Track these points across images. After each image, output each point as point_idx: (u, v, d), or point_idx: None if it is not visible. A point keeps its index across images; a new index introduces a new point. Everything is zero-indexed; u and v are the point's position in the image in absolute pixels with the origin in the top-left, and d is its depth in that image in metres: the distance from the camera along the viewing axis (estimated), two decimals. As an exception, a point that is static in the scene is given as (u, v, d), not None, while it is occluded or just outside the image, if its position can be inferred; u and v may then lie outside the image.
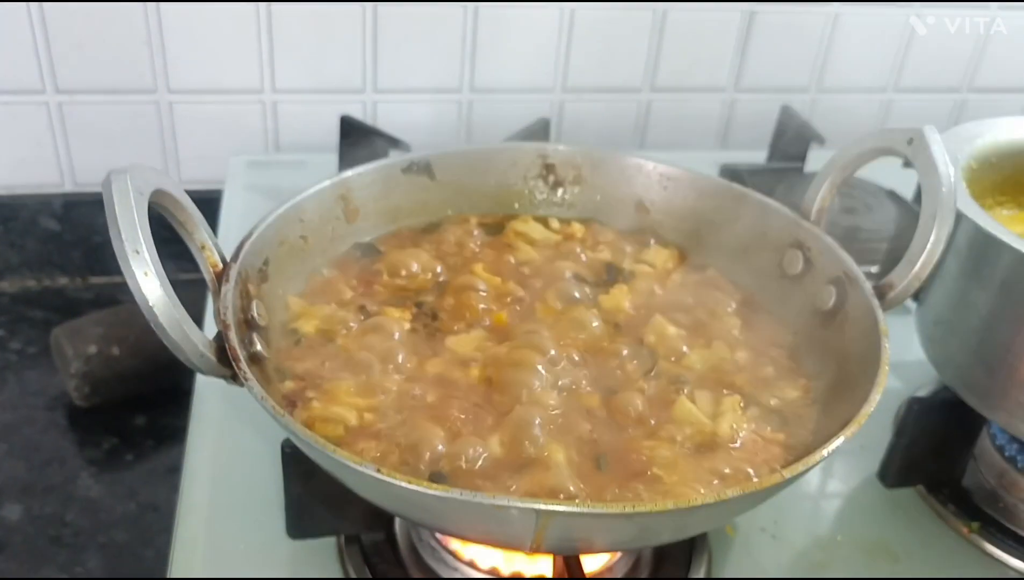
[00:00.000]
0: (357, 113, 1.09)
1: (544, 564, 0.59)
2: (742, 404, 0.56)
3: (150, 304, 0.44)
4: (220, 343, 0.49)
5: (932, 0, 1.20)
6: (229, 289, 0.52)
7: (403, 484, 0.41)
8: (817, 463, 0.45)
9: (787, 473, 0.44)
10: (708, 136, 1.25)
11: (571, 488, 0.48)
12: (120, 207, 0.44)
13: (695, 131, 1.24)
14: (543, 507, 0.41)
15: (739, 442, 0.53)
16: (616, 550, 0.59)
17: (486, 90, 1.14)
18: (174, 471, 0.87)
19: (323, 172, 0.66)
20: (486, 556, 0.59)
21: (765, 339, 0.63)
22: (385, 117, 1.12)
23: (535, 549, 0.45)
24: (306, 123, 1.12)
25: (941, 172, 0.55)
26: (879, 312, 0.55)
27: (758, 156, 1.14)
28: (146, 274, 0.44)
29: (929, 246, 0.55)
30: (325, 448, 0.43)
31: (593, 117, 1.19)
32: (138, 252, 0.44)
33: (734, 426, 0.54)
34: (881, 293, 0.57)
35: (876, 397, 0.49)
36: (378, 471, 0.42)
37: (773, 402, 0.57)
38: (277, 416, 0.45)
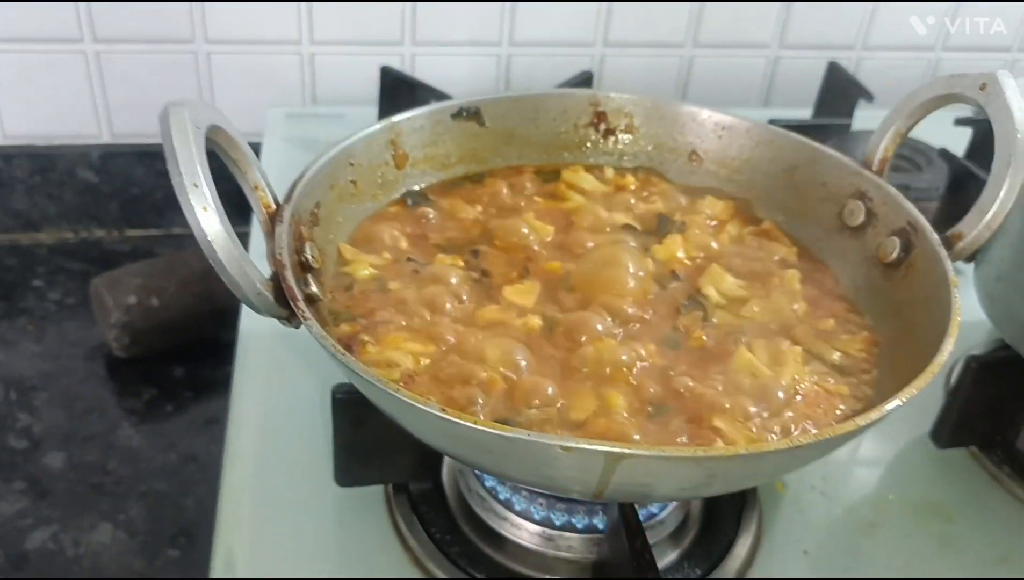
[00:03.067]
0: (395, 66, 1.07)
1: (597, 517, 0.58)
2: (803, 356, 0.55)
3: (209, 239, 0.43)
4: (276, 283, 0.48)
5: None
6: (283, 229, 0.51)
7: (468, 425, 0.40)
8: (889, 413, 0.44)
9: (861, 421, 0.43)
10: (751, 94, 1.23)
11: (634, 436, 0.47)
12: (178, 140, 0.43)
13: (737, 88, 1.21)
14: (611, 449, 0.40)
15: (800, 395, 0.52)
16: (680, 498, 0.58)
17: (526, 44, 1.12)
18: (213, 422, 0.87)
19: (362, 124, 0.65)
20: (538, 508, 0.58)
21: (825, 291, 0.61)
22: (423, 70, 1.11)
23: (597, 495, 0.44)
24: (343, 75, 1.10)
25: (1017, 118, 0.53)
26: (947, 262, 0.54)
27: (802, 114, 1.12)
28: (205, 209, 0.43)
29: (1002, 195, 0.53)
30: (388, 387, 0.42)
31: (634, 73, 1.17)
32: (197, 186, 0.43)
33: (795, 377, 0.53)
34: (949, 244, 0.55)
35: (949, 347, 0.47)
36: (443, 411, 0.41)
37: (835, 355, 0.56)
38: (338, 355, 0.44)
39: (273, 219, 0.52)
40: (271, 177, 0.54)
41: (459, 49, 1.11)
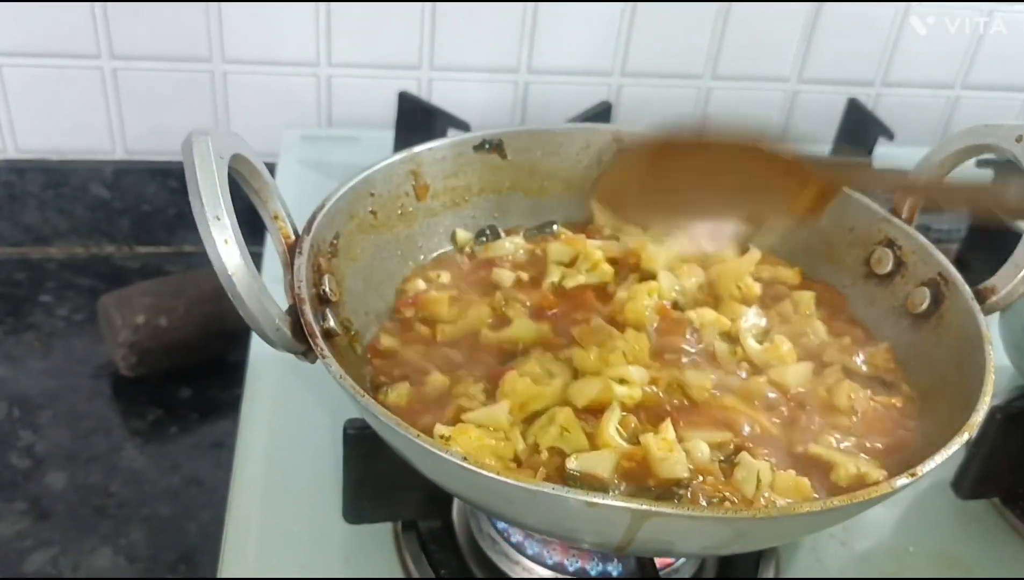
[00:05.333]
0: (412, 90, 1.07)
1: (611, 564, 0.56)
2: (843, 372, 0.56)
3: (229, 273, 0.42)
4: (294, 317, 0.47)
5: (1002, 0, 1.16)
6: (302, 262, 0.50)
7: (491, 475, 0.39)
8: (924, 475, 0.43)
9: (895, 483, 0.41)
10: (768, 127, 1.21)
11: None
12: (201, 171, 0.42)
13: (755, 121, 1.20)
14: (638, 507, 0.38)
15: (859, 413, 0.53)
16: (702, 555, 0.57)
17: (544, 72, 1.11)
18: (218, 446, 0.86)
19: (377, 148, 0.64)
20: (551, 553, 0.57)
21: (836, 310, 0.63)
22: (440, 96, 1.10)
23: (620, 550, 0.43)
24: (360, 98, 1.10)
25: (1053, 171, 0.52)
26: (980, 317, 0.52)
27: (821, 149, 1.11)
28: (226, 242, 0.42)
29: (1037, 250, 0.52)
30: (409, 433, 0.40)
31: (652, 103, 1.16)
32: (219, 218, 0.42)
33: (851, 395, 0.53)
34: (981, 297, 0.54)
35: (984, 407, 0.46)
36: (464, 460, 0.40)
37: (864, 368, 0.58)
38: (357, 397, 0.43)
39: (292, 250, 0.51)
40: (287, 200, 0.53)
41: (476, 75, 1.10)
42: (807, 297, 0.63)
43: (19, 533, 0.76)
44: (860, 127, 1.07)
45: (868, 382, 0.56)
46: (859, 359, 0.58)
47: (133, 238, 1.10)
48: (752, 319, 0.60)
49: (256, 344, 0.76)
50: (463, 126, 0.94)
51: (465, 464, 0.39)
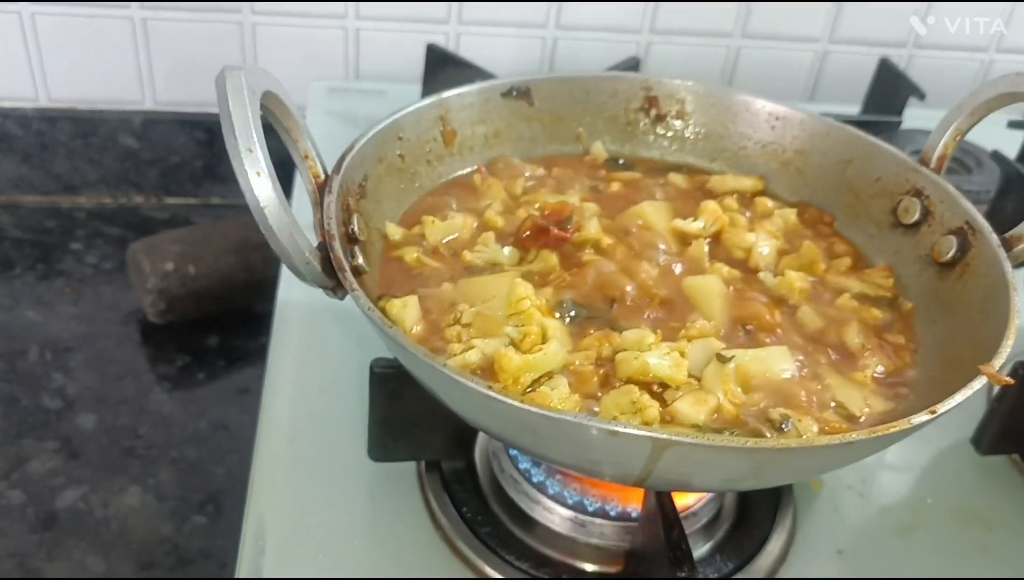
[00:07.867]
0: (439, 44, 1.06)
1: (631, 505, 0.57)
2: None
3: (261, 205, 0.43)
4: (324, 253, 0.48)
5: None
6: (332, 200, 0.51)
7: (514, 403, 0.40)
8: (944, 413, 0.43)
9: (915, 420, 0.42)
10: (796, 87, 1.21)
11: None
12: (234, 104, 0.43)
13: (783, 81, 1.20)
14: (659, 436, 0.39)
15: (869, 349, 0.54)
16: (720, 489, 0.57)
17: (572, 27, 1.11)
18: (244, 392, 0.88)
19: (404, 101, 0.64)
20: (572, 492, 0.58)
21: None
22: (467, 50, 1.10)
23: (640, 482, 0.43)
24: (387, 52, 1.10)
25: (1085, 119, 0.52)
26: (1007, 265, 0.52)
27: (848, 110, 1.10)
28: (259, 174, 0.43)
29: (1066, 198, 0.52)
30: (435, 363, 0.41)
31: (680, 61, 1.15)
32: (251, 150, 0.43)
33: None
34: (1008, 246, 0.54)
35: (1007, 349, 0.46)
36: (489, 388, 0.40)
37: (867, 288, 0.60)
38: (384, 328, 0.43)
39: (322, 189, 0.52)
40: (314, 151, 0.54)
41: (504, 30, 1.10)
42: (791, 213, 0.65)
43: (51, 471, 0.78)
44: (890, 88, 1.06)
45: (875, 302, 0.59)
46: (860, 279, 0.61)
47: (161, 189, 1.12)
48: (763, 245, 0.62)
49: (284, 288, 0.77)
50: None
51: (489, 392, 0.40)
